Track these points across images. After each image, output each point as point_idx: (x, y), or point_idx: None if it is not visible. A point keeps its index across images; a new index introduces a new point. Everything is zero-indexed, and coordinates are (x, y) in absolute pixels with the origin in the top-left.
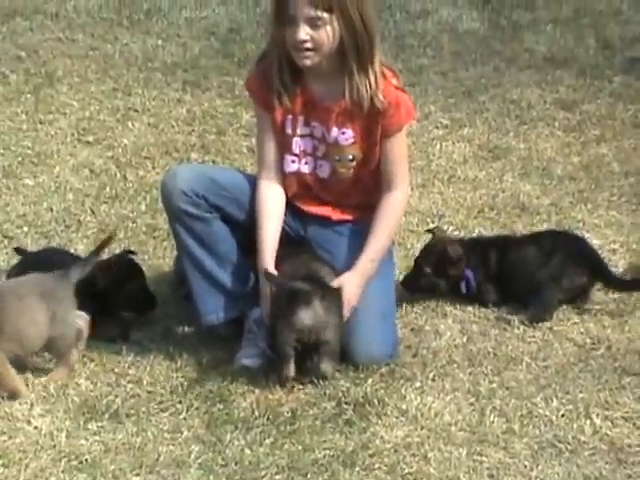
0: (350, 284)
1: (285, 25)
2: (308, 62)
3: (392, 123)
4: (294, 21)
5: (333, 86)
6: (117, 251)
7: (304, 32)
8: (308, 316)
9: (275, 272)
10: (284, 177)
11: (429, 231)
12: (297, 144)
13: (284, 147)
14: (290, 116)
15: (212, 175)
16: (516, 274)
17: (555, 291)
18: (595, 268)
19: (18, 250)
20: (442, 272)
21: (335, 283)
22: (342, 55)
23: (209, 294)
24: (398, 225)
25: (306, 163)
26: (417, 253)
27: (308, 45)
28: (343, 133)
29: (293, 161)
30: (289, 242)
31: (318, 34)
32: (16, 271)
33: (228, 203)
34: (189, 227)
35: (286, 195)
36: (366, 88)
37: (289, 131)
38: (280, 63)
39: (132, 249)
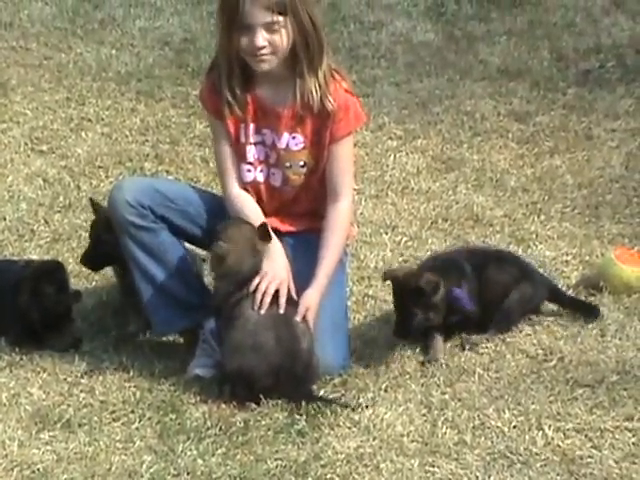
0: (310, 302)
1: (238, 33)
2: (266, 66)
3: (340, 127)
4: (251, 28)
5: (283, 90)
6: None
7: (262, 38)
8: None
9: None
10: (241, 186)
11: (385, 279)
12: (251, 152)
13: (240, 156)
14: (242, 124)
15: (158, 187)
16: (491, 293)
17: (520, 314)
18: (553, 290)
19: None
20: (428, 306)
21: (302, 306)
22: (293, 57)
23: (161, 305)
24: (346, 234)
25: (261, 171)
26: (370, 264)
27: (266, 50)
28: (294, 138)
29: (249, 170)
30: None
31: (275, 38)
32: None
33: (175, 215)
34: (136, 238)
35: None
36: (316, 89)
37: (242, 139)
38: (230, 71)
39: (56, 260)
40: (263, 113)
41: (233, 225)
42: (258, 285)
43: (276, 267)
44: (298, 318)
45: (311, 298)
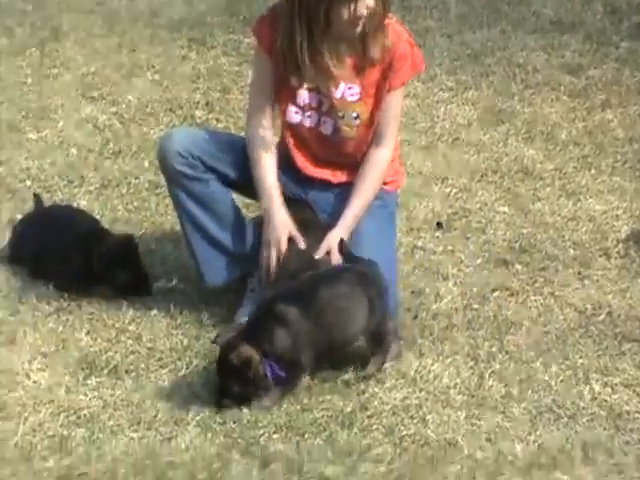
0: (334, 241)
1: (339, 4)
2: (359, 30)
3: (398, 77)
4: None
5: (354, 41)
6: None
7: (365, 6)
8: None
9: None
10: (286, 127)
11: (214, 343)
12: (302, 97)
13: (288, 98)
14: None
15: (208, 137)
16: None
17: None
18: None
19: (37, 199)
20: (242, 380)
21: (323, 246)
22: None
23: (210, 255)
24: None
25: (309, 117)
26: (419, 215)
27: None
28: (350, 88)
29: (296, 112)
30: (290, 205)
31: (369, 3)
32: (22, 225)
33: (224, 165)
34: (187, 188)
35: (286, 150)
36: (379, 41)
37: (295, 83)
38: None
39: (133, 234)
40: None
41: None
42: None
43: (273, 227)
44: (317, 256)
45: (333, 238)
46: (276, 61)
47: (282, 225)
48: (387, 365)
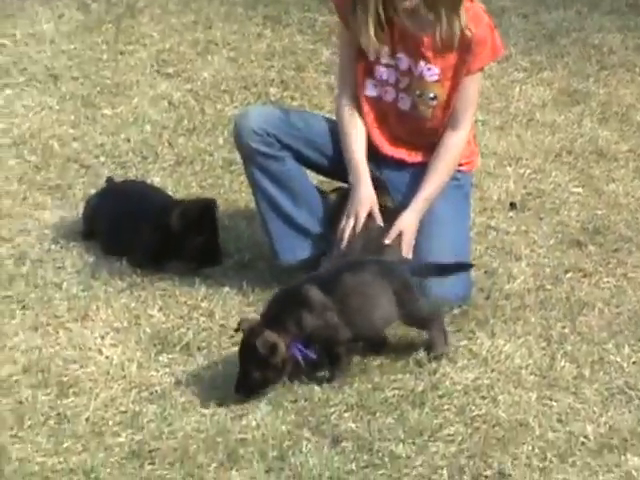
0: (406, 224)
1: None
2: (407, 3)
3: (477, 61)
4: None
5: (424, 19)
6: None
7: None
8: None
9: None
10: (364, 100)
11: (237, 330)
12: (379, 72)
13: (367, 72)
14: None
15: (284, 115)
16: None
17: None
18: None
19: (109, 181)
20: (267, 367)
21: (394, 229)
22: None
23: (285, 233)
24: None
25: (386, 92)
26: (493, 196)
27: None
28: (429, 69)
29: (375, 85)
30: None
31: None
32: (96, 200)
33: (300, 143)
34: (262, 166)
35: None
36: (458, 22)
37: (371, 57)
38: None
39: (214, 199)
40: (401, 37)
41: None
42: (342, 225)
43: (357, 198)
44: (387, 240)
45: (405, 220)
46: (353, 33)
47: (365, 199)
48: (459, 344)
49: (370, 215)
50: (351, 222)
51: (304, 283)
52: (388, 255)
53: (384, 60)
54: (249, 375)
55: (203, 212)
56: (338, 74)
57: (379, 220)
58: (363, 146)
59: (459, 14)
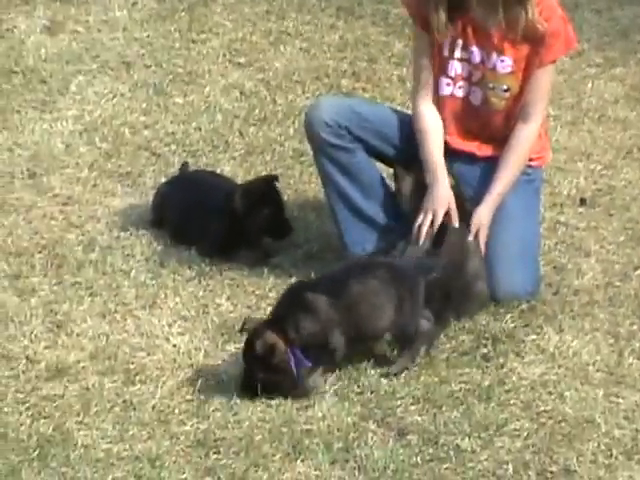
0: (481, 220)
1: None
2: None
3: (550, 53)
4: None
5: (496, 12)
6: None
7: None
8: None
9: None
10: (437, 100)
11: (242, 330)
12: (453, 67)
13: (440, 69)
14: (449, 38)
15: (355, 107)
16: None
17: None
18: None
19: (183, 166)
20: (267, 368)
21: (473, 225)
22: None
23: (354, 225)
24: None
25: (460, 87)
26: (563, 191)
27: None
28: (502, 61)
29: (448, 84)
30: None
31: None
32: (166, 188)
33: (371, 135)
34: (333, 158)
35: None
36: (530, 15)
37: (446, 53)
38: None
39: (276, 174)
40: (474, 30)
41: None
42: (417, 221)
43: (435, 197)
44: (470, 237)
45: (482, 215)
46: (426, 28)
47: (443, 198)
48: (527, 339)
49: (447, 214)
50: (428, 219)
51: (312, 286)
52: (471, 253)
53: (457, 54)
54: (252, 376)
55: (264, 188)
56: (413, 73)
57: (455, 219)
58: (440, 146)
59: (530, 5)
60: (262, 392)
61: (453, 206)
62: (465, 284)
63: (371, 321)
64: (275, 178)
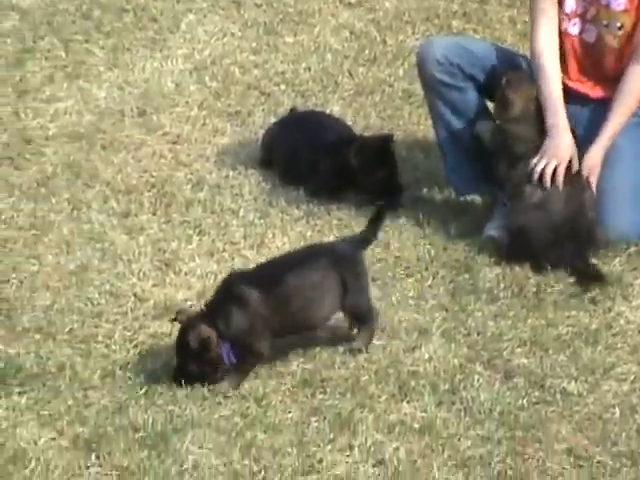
0: (594, 161)
1: None
2: None
3: None
4: None
5: None
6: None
7: None
8: None
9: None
10: None
11: (174, 320)
12: (569, 3)
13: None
14: None
15: (468, 45)
16: None
17: None
18: None
19: (292, 109)
20: (201, 359)
21: (585, 166)
22: None
23: (463, 165)
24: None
25: (574, 24)
26: None
27: None
28: None
29: (563, 19)
30: None
31: None
32: (276, 128)
33: (483, 74)
34: (444, 96)
35: None
36: None
37: None
38: None
39: (392, 133)
40: None
41: (521, 79)
42: (537, 164)
43: (557, 145)
44: (584, 174)
45: (593, 157)
46: None
47: (568, 147)
48: (635, 283)
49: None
50: (551, 166)
51: (248, 279)
52: (585, 196)
53: None
54: (184, 368)
55: (380, 147)
56: (532, 10)
57: (576, 168)
58: (560, 82)
59: None
60: (192, 381)
61: (575, 155)
62: (586, 227)
63: (308, 314)
64: (391, 138)
